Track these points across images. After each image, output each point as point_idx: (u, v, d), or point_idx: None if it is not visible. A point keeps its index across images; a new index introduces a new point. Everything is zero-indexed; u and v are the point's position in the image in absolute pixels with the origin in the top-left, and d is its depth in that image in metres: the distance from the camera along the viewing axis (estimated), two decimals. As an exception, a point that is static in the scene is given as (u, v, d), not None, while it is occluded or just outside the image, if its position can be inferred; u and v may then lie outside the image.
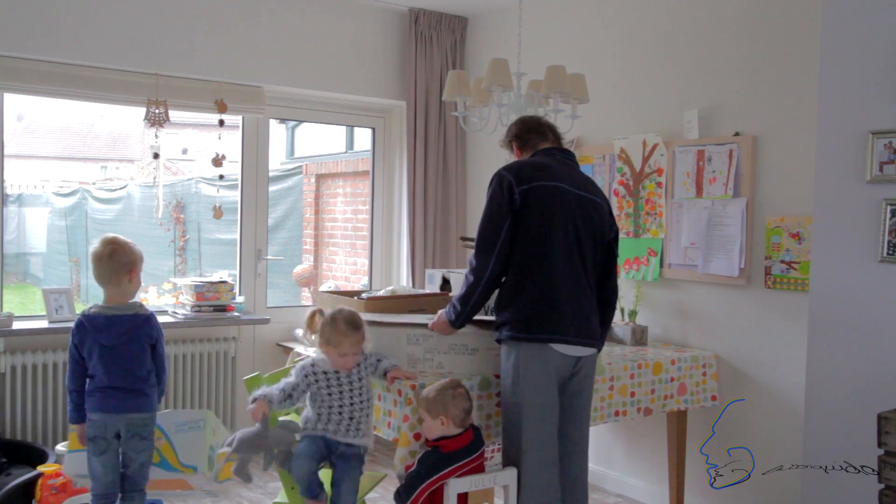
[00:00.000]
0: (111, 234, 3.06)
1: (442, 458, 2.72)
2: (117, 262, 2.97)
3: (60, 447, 3.78)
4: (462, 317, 2.91)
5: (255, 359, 4.85)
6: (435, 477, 2.70)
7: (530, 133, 3.05)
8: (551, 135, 3.06)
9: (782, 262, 3.58)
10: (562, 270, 2.80)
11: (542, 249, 2.79)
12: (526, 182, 2.81)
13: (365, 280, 5.75)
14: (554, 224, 2.80)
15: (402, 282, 5.33)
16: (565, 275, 2.80)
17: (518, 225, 2.80)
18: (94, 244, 3.03)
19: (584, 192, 2.91)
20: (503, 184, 2.82)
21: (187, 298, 4.63)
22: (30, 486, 3.57)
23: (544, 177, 2.85)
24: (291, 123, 7.67)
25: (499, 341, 2.87)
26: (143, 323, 3.00)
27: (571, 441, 2.93)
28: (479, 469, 2.81)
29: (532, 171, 2.86)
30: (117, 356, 2.94)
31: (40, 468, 3.64)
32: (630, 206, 4.24)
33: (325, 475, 2.92)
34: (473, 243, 2.90)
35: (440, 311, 3.01)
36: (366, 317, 2.99)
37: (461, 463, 2.74)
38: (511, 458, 2.84)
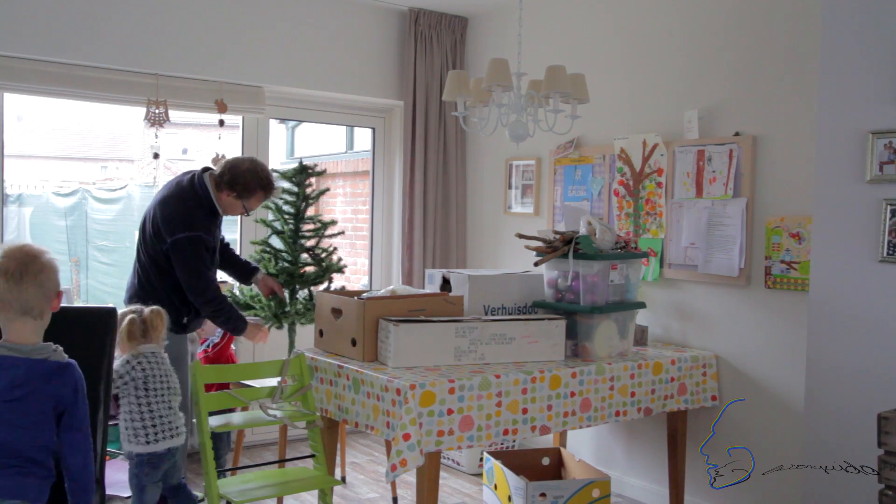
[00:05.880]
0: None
1: None
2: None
3: None
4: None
5: (255, 359, 4.84)
6: None
7: None
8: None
9: (782, 262, 3.58)
10: None
11: None
12: None
13: (365, 280, 5.75)
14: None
15: (394, 282, 5.32)
16: None
17: None
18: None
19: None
20: None
21: (187, 298, 4.62)
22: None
23: None
24: (291, 123, 7.66)
25: None
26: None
27: None
28: None
29: None
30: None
31: None
32: (630, 206, 4.24)
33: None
34: (536, 243, 3.48)
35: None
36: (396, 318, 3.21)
37: None
38: None
